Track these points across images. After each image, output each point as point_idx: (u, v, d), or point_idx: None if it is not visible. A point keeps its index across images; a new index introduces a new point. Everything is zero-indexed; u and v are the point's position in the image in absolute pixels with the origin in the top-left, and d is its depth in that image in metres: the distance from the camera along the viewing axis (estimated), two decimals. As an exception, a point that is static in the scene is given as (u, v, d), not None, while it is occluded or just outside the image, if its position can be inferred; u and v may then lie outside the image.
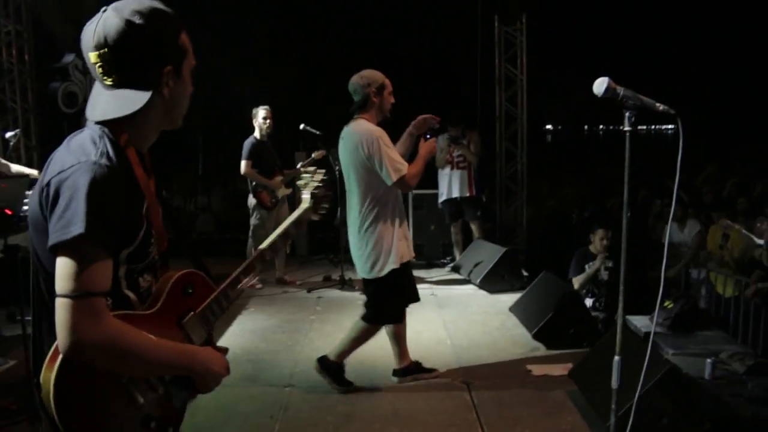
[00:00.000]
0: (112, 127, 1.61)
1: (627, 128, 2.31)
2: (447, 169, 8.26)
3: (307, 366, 5.03)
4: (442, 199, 8.40)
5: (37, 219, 1.57)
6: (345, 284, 7.47)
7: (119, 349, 1.51)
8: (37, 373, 1.58)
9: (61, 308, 1.46)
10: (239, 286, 1.92)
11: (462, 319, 6.30)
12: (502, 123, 9.23)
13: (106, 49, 1.55)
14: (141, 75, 1.59)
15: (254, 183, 7.25)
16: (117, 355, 1.51)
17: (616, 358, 2.69)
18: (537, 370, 4.93)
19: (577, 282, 6.40)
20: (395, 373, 4.75)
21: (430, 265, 8.86)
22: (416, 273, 8.33)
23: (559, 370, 4.83)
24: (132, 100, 1.59)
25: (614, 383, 2.76)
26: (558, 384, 4.62)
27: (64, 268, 1.47)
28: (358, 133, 4.18)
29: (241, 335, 5.85)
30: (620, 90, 2.31)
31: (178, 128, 1.78)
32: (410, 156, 4.42)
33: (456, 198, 8.25)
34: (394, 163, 4.08)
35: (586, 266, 6.46)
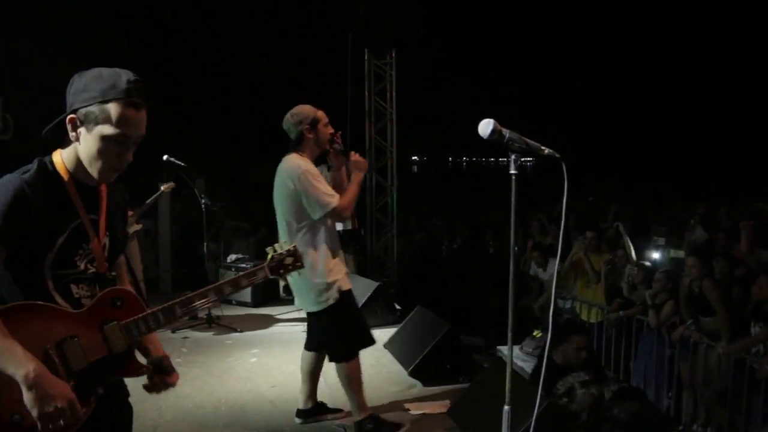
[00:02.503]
0: (56, 157, 2.01)
1: (513, 171, 2.28)
2: None
3: (172, 416, 4.70)
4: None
5: None
6: (213, 323, 7.12)
7: None
8: None
9: None
10: (176, 315, 2.16)
11: (336, 356, 6.13)
12: (372, 155, 9.24)
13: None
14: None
15: None
16: None
17: (506, 408, 2.62)
18: (415, 408, 4.85)
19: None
20: (299, 414, 4.61)
21: (301, 301, 8.63)
22: (288, 309, 8.22)
23: (438, 407, 4.77)
24: (48, 127, 2.02)
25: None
26: (437, 422, 4.56)
27: None
28: (286, 169, 4.12)
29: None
30: (506, 132, 2.27)
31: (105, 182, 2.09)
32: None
33: (340, 231, 8.09)
34: (323, 196, 4.01)
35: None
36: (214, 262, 8.94)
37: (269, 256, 2.32)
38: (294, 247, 2.35)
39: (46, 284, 1.94)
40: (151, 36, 12.85)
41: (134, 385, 2.32)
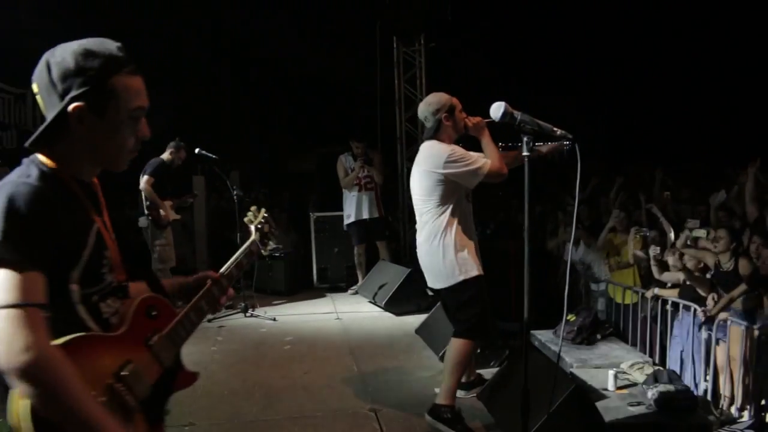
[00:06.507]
0: (45, 155, 1.66)
1: (525, 153, 2.28)
2: (355, 191, 8.17)
3: (208, 402, 4.80)
4: (349, 221, 8.26)
5: None
6: (248, 311, 7.23)
7: (58, 374, 1.44)
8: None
9: None
10: (204, 311, 1.99)
11: (368, 343, 6.20)
12: (402, 143, 9.25)
13: (35, 83, 1.66)
14: (50, 107, 1.64)
15: (149, 202, 7.12)
16: (52, 378, 1.43)
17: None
18: (445, 392, 4.87)
19: None
20: (461, 386, 4.64)
21: (333, 289, 8.73)
22: (321, 297, 8.32)
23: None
24: (40, 131, 1.64)
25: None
26: (467, 406, 4.58)
27: None
28: (431, 153, 4.19)
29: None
30: (518, 114, 2.27)
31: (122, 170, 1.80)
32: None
33: (365, 219, 8.16)
34: (471, 164, 4.05)
35: None
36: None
37: (253, 229, 2.35)
38: (265, 211, 2.44)
39: (74, 308, 1.64)
40: (184, 31, 13.00)
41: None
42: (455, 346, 4.30)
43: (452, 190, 4.17)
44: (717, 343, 5.81)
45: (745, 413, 5.46)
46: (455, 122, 4.22)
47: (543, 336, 6.19)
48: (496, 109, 2.27)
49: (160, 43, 11.35)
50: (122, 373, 1.64)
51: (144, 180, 7.13)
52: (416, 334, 6.26)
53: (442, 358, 5.46)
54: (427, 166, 4.19)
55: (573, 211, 8.61)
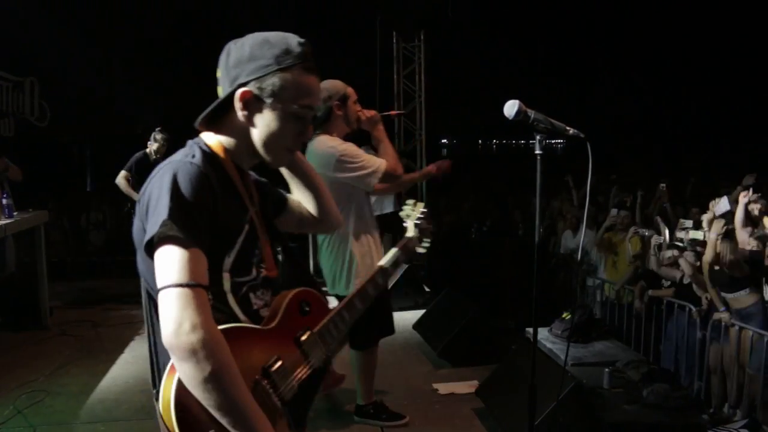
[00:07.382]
0: (212, 134, 1.68)
1: (538, 151, 2.29)
2: None
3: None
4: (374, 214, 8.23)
5: (138, 233, 1.55)
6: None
7: (222, 357, 1.40)
8: (155, 384, 1.55)
9: (166, 298, 1.41)
10: (357, 309, 1.90)
11: (366, 338, 6.20)
12: (401, 139, 9.26)
13: (219, 68, 1.67)
14: (223, 92, 1.65)
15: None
16: (218, 361, 1.39)
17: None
18: (443, 388, 4.91)
19: None
20: (356, 412, 4.35)
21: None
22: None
23: (466, 388, 4.82)
24: (205, 113, 1.67)
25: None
26: (465, 402, 4.61)
27: (162, 260, 1.44)
28: (321, 154, 3.78)
29: (133, 363, 5.54)
30: (531, 113, 2.28)
31: (274, 167, 1.79)
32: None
33: (387, 214, 8.14)
34: (364, 167, 3.76)
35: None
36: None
37: (411, 225, 2.19)
38: (422, 205, 2.27)
39: (225, 297, 1.60)
40: (177, 20, 12.97)
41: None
42: (359, 359, 4.20)
43: (348, 194, 3.87)
44: (711, 342, 5.86)
45: (738, 413, 5.51)
46: (347, 113, 3.88)
47: (538, 333, 6.21)
48: (510, 107, 2.28)
49: (152, 32, 11.33)
50: (270, 370, 1.57)
51: (120, 175, 7.27)
52: (413, 330, 6.28)
53: (440, 354, 5.51)
54: (317, 168, 3.79)
55: (572, 207, 8.60)
